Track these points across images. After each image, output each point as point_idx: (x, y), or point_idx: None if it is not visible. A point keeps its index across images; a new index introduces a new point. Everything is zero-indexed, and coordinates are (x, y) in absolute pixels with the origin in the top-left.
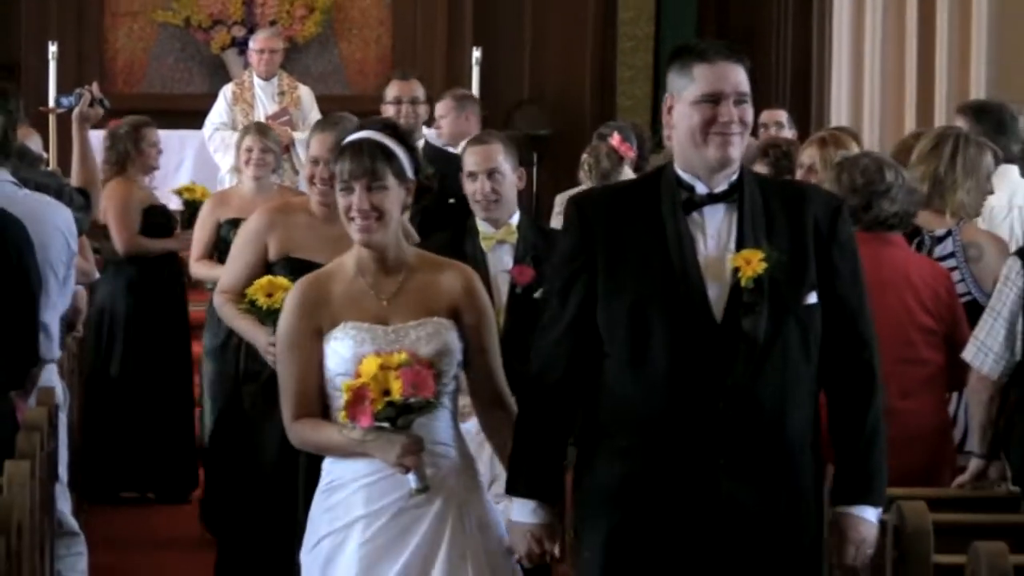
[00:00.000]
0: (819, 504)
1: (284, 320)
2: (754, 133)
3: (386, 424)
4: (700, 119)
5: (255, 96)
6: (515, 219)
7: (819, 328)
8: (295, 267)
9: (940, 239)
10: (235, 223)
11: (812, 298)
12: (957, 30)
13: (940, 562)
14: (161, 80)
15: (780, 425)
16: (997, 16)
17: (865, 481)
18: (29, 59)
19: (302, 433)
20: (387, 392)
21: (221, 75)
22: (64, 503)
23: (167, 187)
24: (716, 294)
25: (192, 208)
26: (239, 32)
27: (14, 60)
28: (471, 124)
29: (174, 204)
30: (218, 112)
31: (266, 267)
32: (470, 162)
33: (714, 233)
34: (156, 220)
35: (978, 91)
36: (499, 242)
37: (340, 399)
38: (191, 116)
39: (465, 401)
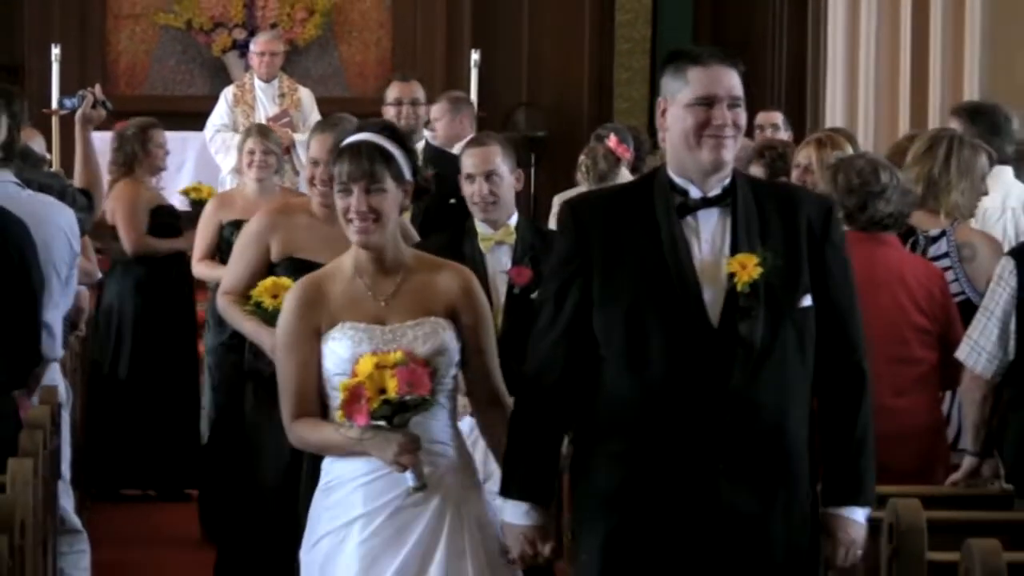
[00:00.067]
0: (815, 507)
1: (283, 320)
2: (750, 135)
3: (382, 422)
4: (694, 122)
5: (256, 98)
6: (513, 220)
7: (814, 330)
8: (297, 268)
9: (934, 239)
10: (237, 224)
11: (807, 301)
12: (951, 32)
13: (934, 559)
14: (163, 82)
15: (779, 429)
16: (990, 19)
17: (855, 482)
18: (32, 61)
19: (301, 433)
20: (383, 390)
21: (222, 77)
22: (67, 501)
23: (169, 188)
24: (712, 298)
25: (200, 208)
26: (240, 35)
27: (17, 62)
28: (465, 127)
29: (177, 202)
30: (219, 114)
31: (268, 268)
32: (468, 164)
33: (708, 237)
34: (164, 220)
35: (971, 93)
36: (497, 243)
37: (338, 399)
38: (192, 118)
39: (462, 401)
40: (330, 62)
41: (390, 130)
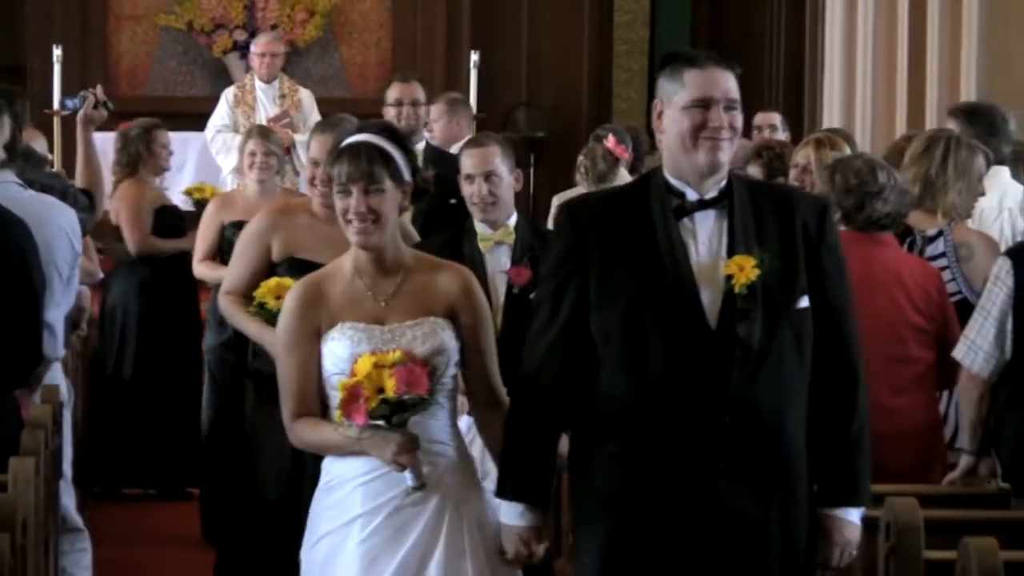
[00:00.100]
0: (812, 507)
1: (283, 321)
2: (748, 135)
3: (381, 422)
4: (690, 124)
5: (256, 99)
6: (512, 220)
7: (811, 331)
8: (298, 268)
9: (932, 239)
10: (239, 225)
11: (804, 302)
12: (948, 33)
13: (931, 558)
14: (164, 83)
15: (778, 429)
16: (987, 20)
17: (851, 483)
18: (34, 62)
19: (301, 432)
20: (381, 390)
21: (223, 78)
22: (68, 499)
23: (170, 188)
24: (710, 300)
25: (203, 208)
26: (241, 36)
27: (19, 63)
28: (462, 128)
29: (180, 202)
30: (220, 115)
31: (269, 268)
32: (468, 164)
33: (705, 239)
34: (168, 221)
35: (968, 94)
36: (497, 243)
37: (337, 398)
38: (193, 118)
39: (461, 400)
40: (330, 63)
41: (389, 131)
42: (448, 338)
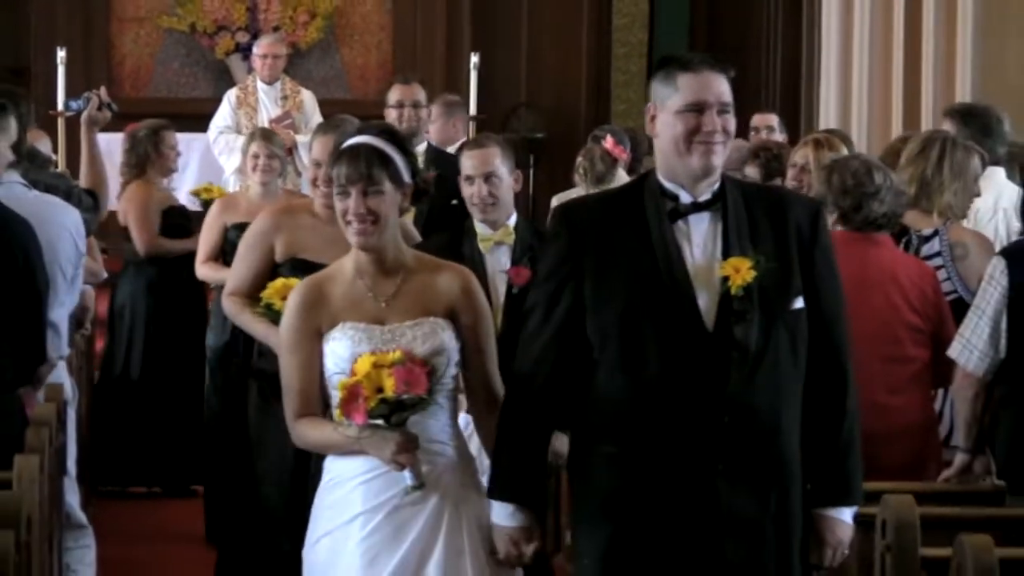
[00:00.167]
0: (807, 507)
1: (285, 321)
2: (745, 136)
3: (380, 421)
4: (684, 128)
5: (258, 100)
6: (512, 221)
7: (805, 332)
8: (301, 268)
9: (927, 238)
10: (242, 227)
11: (799, 303)
12: (943, 35)
13: (927, 555)
14: (167, 84)
15: (775, 430)
16: (981, 22)
17: (843, 483)
18: (38, 64)
19: (303, 432)
20: (380, 390)
21: (225, 80)
22: (72, 497)
23: (172, 189)
24: (706, 302)
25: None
26: (243, 38)
27: (24, 65)
28: (459, 130)
29: (186, 203)
30: (222, 116)
31: (272, 269)
32: (467, 166)
33: (700, 242)
34: (175, 221)
35: (963, 95)
36: (496, 243)
37: (337, 398)
38: (196, 120)
39: (461, 398)
40: (332, 65)
41: (389, 133)
42: (448, 338)
